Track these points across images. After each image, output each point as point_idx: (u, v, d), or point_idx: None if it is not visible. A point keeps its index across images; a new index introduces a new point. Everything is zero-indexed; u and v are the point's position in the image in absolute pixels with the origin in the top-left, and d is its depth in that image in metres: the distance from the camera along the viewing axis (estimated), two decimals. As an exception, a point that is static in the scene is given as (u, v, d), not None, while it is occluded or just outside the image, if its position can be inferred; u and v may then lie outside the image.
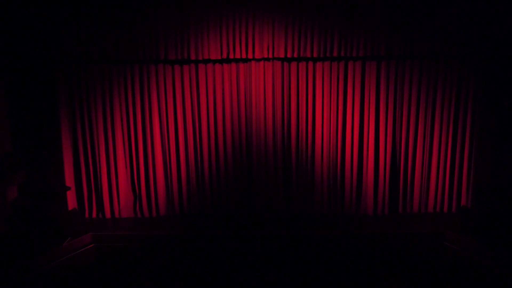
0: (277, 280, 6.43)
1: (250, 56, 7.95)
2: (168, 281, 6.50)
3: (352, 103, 8.19)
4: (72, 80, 7.96)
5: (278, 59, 8.05)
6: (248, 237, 7.63)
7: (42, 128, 7.59)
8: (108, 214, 8.39)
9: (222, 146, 8.35)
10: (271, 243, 7.55)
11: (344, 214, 8.44)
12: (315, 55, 7.89)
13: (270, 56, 7.95)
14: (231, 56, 7.94)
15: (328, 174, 8.40)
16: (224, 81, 8.18)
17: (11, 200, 7.24)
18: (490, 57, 7.58)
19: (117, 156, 8.29)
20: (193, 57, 7.90)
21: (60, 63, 7.82)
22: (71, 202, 8.23)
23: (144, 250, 7.42)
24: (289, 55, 7.92)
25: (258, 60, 8.07)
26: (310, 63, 8.10)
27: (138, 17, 7.70)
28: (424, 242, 7.51)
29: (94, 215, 8.37)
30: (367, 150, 8.28)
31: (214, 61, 8.08)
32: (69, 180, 8.18)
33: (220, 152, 8.38)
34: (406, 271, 6.73)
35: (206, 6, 7.74)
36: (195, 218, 8.37)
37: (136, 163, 8.35)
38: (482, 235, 7.17)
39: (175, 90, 8.20)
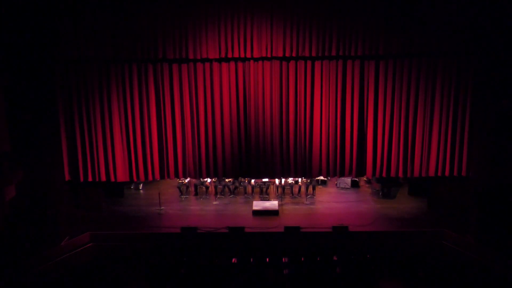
0: (275, 276, 6.42)
1: (248, 55, 7.94)
2: (166, 280, 6.49)
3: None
4: (70, 80, 7.96)
5: (277, 58, 8.04)
6: (247, 236, 7.64)
7: (41, 128, 7.57)
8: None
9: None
10: (269, 242, 7.57)
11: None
12: (313, 54, 7.88)
13: (269, 55, 7.94)
14: (230, 55, 7.93)
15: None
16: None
17: (9, 200, 7.24)
18: (489, 56, 7.55)
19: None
20: (191, 56, 7.89)
21: (58, 62, 7.82)
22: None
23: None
24: (287, 54, 7.91)
25: (257, 59, 8.06)
26: (309, 62, 8.10)
27: (136, 16, 7.70)
28: (423, 241, 7.50)
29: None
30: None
31: (213, 60, 8.08)
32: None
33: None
34: (404, 269, 6.71)
35: (204, 5, 7.73)
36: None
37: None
38: (481, 234, 7.16)
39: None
